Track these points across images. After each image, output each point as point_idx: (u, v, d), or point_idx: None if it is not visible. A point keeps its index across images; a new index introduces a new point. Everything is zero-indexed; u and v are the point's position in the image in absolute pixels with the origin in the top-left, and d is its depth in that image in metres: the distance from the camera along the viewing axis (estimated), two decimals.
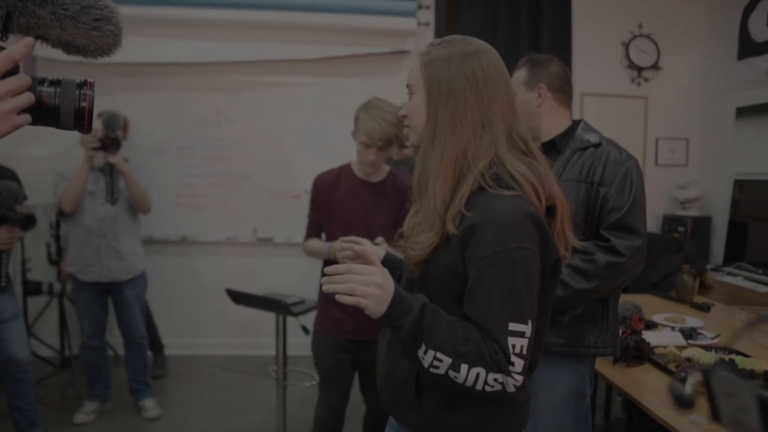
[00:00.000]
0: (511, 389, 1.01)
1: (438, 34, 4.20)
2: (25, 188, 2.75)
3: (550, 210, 1.11)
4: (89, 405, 3.18)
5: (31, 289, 3.51)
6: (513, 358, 0.99)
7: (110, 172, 2.92)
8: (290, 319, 2.63)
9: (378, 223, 2.14)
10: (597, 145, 1.71)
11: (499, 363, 0.99)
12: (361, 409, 2.51)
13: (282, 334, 2.63)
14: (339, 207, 2.17)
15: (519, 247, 1.00)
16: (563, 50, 4.20)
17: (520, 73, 1.82)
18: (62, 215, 3.19)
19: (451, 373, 1.00)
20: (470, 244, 1.02)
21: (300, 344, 3.30)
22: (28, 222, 2.58)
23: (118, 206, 3.01)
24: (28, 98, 0.75)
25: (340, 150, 4.09)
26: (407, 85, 1.17)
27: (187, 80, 4.06)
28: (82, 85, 0.79)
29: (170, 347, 3.97)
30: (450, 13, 4.29)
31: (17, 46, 0.74)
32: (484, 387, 1.00)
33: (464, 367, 0.99)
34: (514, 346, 0.99)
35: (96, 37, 0.84)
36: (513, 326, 0.99)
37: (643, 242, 1.64)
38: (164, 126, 4.05)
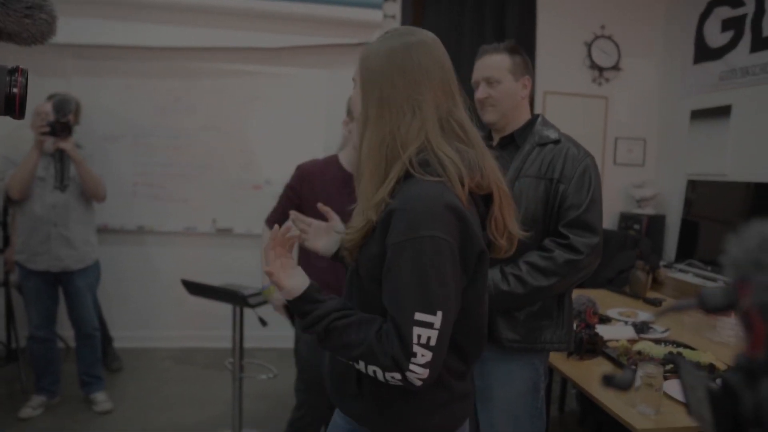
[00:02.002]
0: (416, 383, 0.99)
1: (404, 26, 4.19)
2: None
3: (488, 198, 1.10)
4: (36, 399, 3.06)
5: None
6: (415, 348, 0.97)
7: (60, 158, 2.81)
8: (247, 311, 2.59)
9: None
10: (556, 142, 1.71)
11: (395, 360, 0.97)
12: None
13: (239, 326, 2.59)
14: (324, 200, 2.02)
15: (430, 235, 0.97)
16: (527, 48, 4.24)
17: (502, 59, 1.74)
18: (10, 202, 3.06)
19: (358, 367, 1.04)
20: (389, 231, 1.01)
21: (257, 336, 3.26)
22: None
23: (69, 193, 2.90)
24: None
25: (303, 141, 4.08)
26: (353, 79, 1.17)
27: (145, 65, 3.94)
28: (14, 71, 0.79)
29: (124, 339, 3.87)
30: (416, 6, 4.28)
31: None
32: (387, 382, 1.00)
33: (362, 364, 1.02)
34: (419, 336, 0.97)
35: (28, 24, 0.83)
36: (419, 316, 0.97)
37: (600, 240, 1.66)
38: (120, 113, 3.93)
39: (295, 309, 1.10)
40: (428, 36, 1.12)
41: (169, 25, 3.88)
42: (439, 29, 4.31)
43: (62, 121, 2.77)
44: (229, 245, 4.09)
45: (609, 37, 4.39)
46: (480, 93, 1.74)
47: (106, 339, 3.69)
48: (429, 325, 0.97)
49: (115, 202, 3.62)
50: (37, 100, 3.08)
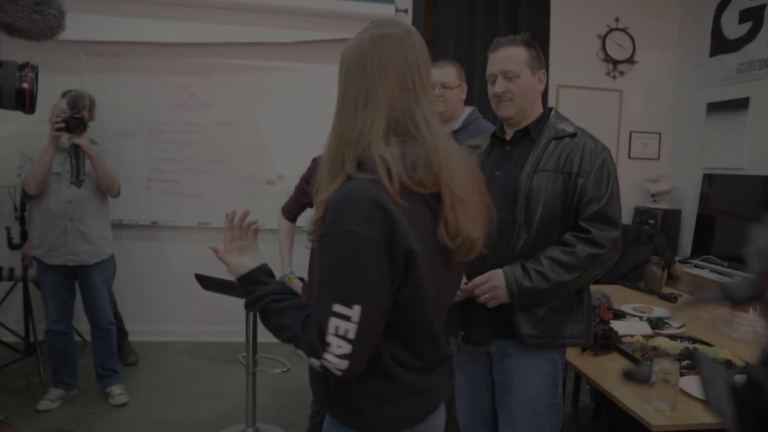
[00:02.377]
0: (335, 372, 1.00)
1: (416, 21, 4.17)
2: None
3: (438, 196, 1.06)
4: (54, 392, 3.10)
5: None
6: (330, 338, 0.98)
7: (76, 153, 2.83)
8: None
9: None
10: (572, 135, 1.70)
11: (313, 347, 1.00)
12: None
13: (252, 320, 2.60)
14: None
15: (349, 230, 0.98)
16: (540, 41, 4.21)
17: (519, 53, 1.70)
18: (27, 197, 3.09)
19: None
20: None
21: None
22: None
23: (84, 189, 2.93)
24: None
25: (315, 136, 4.06)
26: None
27: (158, 61, 3.96)
28: (24, 66, 0.83)
29: (139, 333, 3.90)
30: (429, 0, 4.26)
31: None
32: (313, 367, 1.04)
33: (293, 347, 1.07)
34: (337, 328, 0.98)
35: (37, 20, 0.85)
36: (337, 308, 0.98)
37: (620, 233, 1.65)
38: (134, 108, 3.96)
39: (241, 287, 1.17)
40: (398, 29, 1.09)
41: (181, 21, 3.90)
42: (451, 23, 4.30)
43: (77, 117, 2.80)
44: None
45: (623, 30, 4.34)
46: (498, 87, 1.71)
47: (122, 333, 3.72)
48: (346, 318, 0.98)
49: (130, 197, 3.65)
50: (51, 96, 3.11)
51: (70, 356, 3.14)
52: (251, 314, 2.60)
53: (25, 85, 0.85)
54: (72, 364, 3.16)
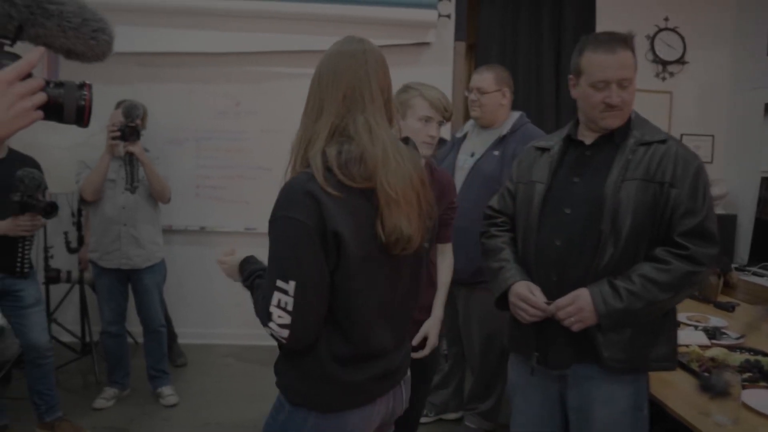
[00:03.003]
0: (280, 340, 1.18)
1: (459, 25, 4.16)
2: (47, 177, 2.77)
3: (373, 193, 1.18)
4: (109, 391, 3.21)
5: (52, 277, 3.55)
6: (273, 309, 1.15)
7: (130, 161, 2.94)
8: None
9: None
10: (662, 141, 1.55)
11: (261, 316, 1.19)
12: None
13: None
14: None
15: (284, 215, 1.16)
16: None
17: (630, 56, 1.58)
18: (84, 203, 3.22)
19: None
20: None
21: None
22: (50, 209, 2.60)
23: (138, 195, 3.03)
24: (41, 97, 0.87)
25: None
26: None
27: (206, 71, 4.06)
28: (82, 86, 0.92)
29: (187, 336, 4.00)
30: (471, 4, 4.24)
31: (33, 54, 0.86)
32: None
33: None
34: (279, 300, 1.15)
35: (93, 45, 0.96)
36: (278, 283, 1.15)
37: (719, 249, 1.51)
38: (183, 117, 4.07)
39: (242, 271, 1.40)
40: (353, 46, 1.26)
41: (227, 31, 3.99)
42: (493, 26, 4.26)
43: (131, 126, 2.90)
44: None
45: (673, 29, 4.21)
46: (615, 98, 1.54)
47: (171, 335, 3.83)
48: (285, 292, 1.14)
49: (179, 203, 3.75)
50: (105, 106, 3.22)
51: (123, 357, 3.25)
52: None
53: (83, 103, 0.92)
54: (125, 365, 3.26)
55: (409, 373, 1.41)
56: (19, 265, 2.67)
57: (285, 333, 1.15)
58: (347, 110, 1.22)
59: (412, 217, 1.20)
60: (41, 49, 0.90)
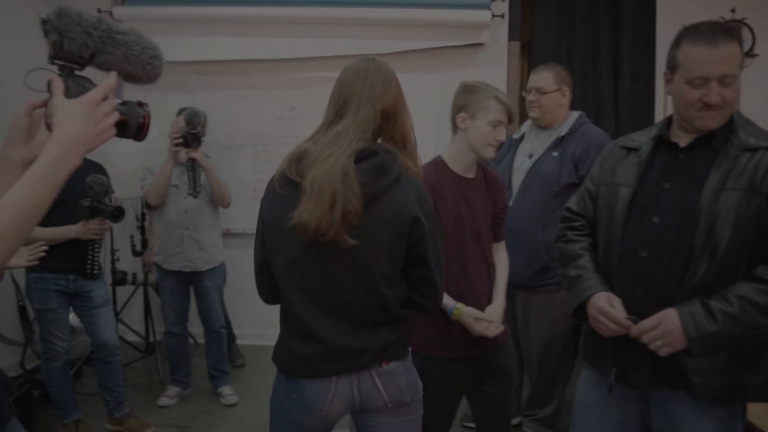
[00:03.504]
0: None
1: (512, 25, 4.10)
2: (113, 182, 2.89)
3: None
4: (172, 389, 3.32)
5: (118, 279, 3.71)
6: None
7: (192, 166, 3.03)
8: None
9: (483, 223, 1.96)
10: None
11: None
12: None
13: None
14: (448, 210, 1.88)
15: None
16: (646, 38, 4.00)
17: (735, 50, 1.44)
18: (149, 208, 3.34)
19: None
20: None
21: None
22: (117, 214, 2.71)
23: (199, 199, 3.12)
24: (116, 116, 1.01)
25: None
26: None
27: (262, 77, 4.15)
28: (141, 105, 1.07)
29: (246, 337, 4.09)
30: (525, 3, 4.18)
31: (111, 79, 1.02)
32: None
33: None
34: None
35: (149, 70, 1.08)
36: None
37: None
38: (241, 123, 4.17)
39: None
40: (351, 64, 1.51)
41: (282, 38, 4.07)
42: (548, 25, 4.18)
43: (193, 132, 2.99)
44: None
45: (741, 21, 4.02)
46: (714, 96, 1.38)
47: (230, 336, 3.92)
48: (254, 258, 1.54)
49: (238, 207, 3.84)
50: (166, 114, 3.35)
51: (185, 357, 3.35)
52: None
53: (142, 120, 1.05)
54: (187, 365, 3.37)
55: (388, 366, 1.46)
56: (89, 267, 2.79)
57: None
58: (336, 120, 1.46)
59: (318, 209, 1.34)
60: (114, 74, 1.03)
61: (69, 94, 0.99)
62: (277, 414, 1.55)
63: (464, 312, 1.86)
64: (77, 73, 1.03)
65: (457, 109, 1.93)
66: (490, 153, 1.89)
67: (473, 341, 1.88)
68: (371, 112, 1.42)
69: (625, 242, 1.49)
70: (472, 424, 2.84)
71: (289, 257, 1.42)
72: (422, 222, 1.43)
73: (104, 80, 1.01)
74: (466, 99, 1.91)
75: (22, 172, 1.02)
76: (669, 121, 1.54)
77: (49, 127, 1.02)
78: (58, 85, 0.99)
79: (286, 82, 4.16)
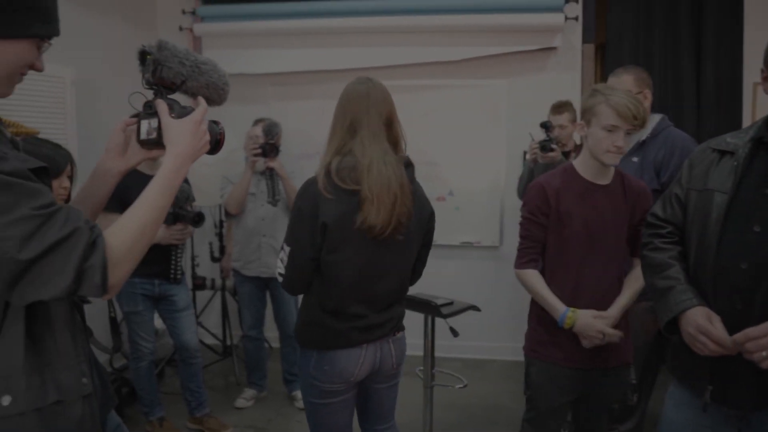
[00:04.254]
0: (281, 285, 1.78)
1: (587, 28, 4.00)
2: (194, 191, 3.02)
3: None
4: (248, 392, 3.42)
5: (198, 284, 3.86)
6: (278, 261, 1.76)
7: (270, 175, 3.12)
8: (438, 321, 2.63)
9: (615, 232, 1.91)
10: None
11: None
12: None
13: (430, 335, 2.64)
14: (574, 218, 1.88)
15: (297, 204, 1.72)
16: (732, 34, 3.79)
17: None
18: (228, 215, 3.47)
19: None
20: None
21: (447, 346, 3.29)
22: (198, 219, 2.83)
23: (276, 207, 3.21)
24: (207, 134, 1.19)
25: (484, 151, 4.07)
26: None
27: (334, 87, 4.14)
28: (216, 122, 1.24)
29: None
30: (600, 4, 4.06)
31: (204, 104, 1.20)
32: None
33: None
34: (282, 257, 1.74)
35: (221, 94, 1.24)
36: (284, 245, 1.73)
37: None
38: (313, 132, 4.22)
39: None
40: (359, 86, 1.77)
41: (354, 47, 4.13)
42: (624, 26, 4.03)
43: (271, 143, 3.09)
44: None
45: None
46: None
47: None
48: (285, 251, 1.72)
49: None
50: (243, 125, 3.47)
51: (261, 360, 3.44)
52: (429, 328, 2.64)
53: (218, 137, 1.21)
54: (263, 368, 3.46)
55: (398, 335, 1.87)
56: (173, 271, 2.92)
57: (280, 279, 1.76)
58: (350, 135, 1.70)
59: (382, 212, 1.63)
60: (202, 99, 1.20)
61: (174, 114, 1.14)
62: (307, 390, 1.83)
63: (580, 315, 1.84)
64: (169, 96, 1.18)
65: (581, 116, 1.94)
66: (610, 159, 1.83)
67: (584, 354, 1.88)
68: (382, 124, 1.72)
69: (722, 253, 1.38)
70: None
71: (349, 254, 1.69)
72: (434, 215, 1.87)
73: (198, 105, 1.19)
74: (585, 105, 1.90)
75: (118, 180, 1.23)
76: (767, 121, 1.43)
77: (143, 143, 1.18)
78: (163, 107, 1.13)
79: None
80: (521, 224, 2.00)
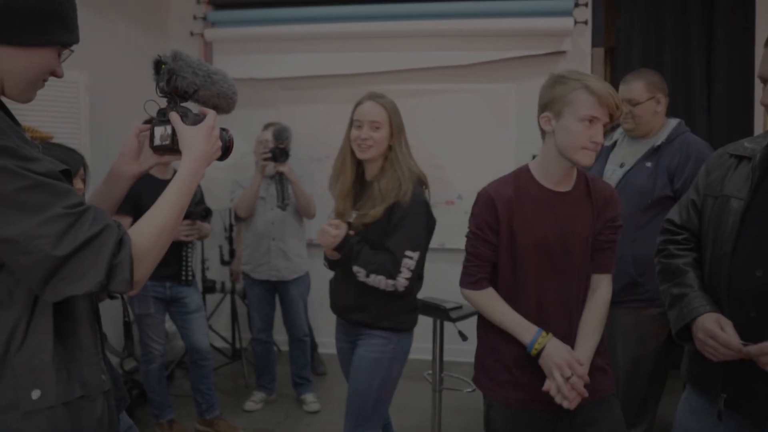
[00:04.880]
0: (398, 289, 1.96)
1: (596, 32, 4.00)
2: (204, 194, 3.06)
3: None
4: (257, 394, 3.44)
5: (208, 287, 3.88)
6: (402, 269, 1.94)
7: (280, 180, 3.14)
8: (447, 325, 2.64)
9: (578, 247, 1.64)
10: None
11: (390, 273, 1.94)
12: None
13: (439, 339, 2.64)
14: (527, 231, 1.63)
15: (413, 212, 1.98)
16: (744, 38, 3.76)
17: None
18: (238, 219, 3.49)
19: (367, 280, 1.97)
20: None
21: (456, 350, 3.28)
22: (206, 214, 2.88)
23: (286, 211, 3.23)
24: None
25: (493, 155, 4.07)
26: (375, 121, 2.08)
27: (343, 91, 4.23)
28: (225, 130, 1.28)
29: (328, 346, 4.15)
30: (609, 7, 4.06)
31: (213, 112, 1.23)
32: (385, 287, 1.96)
33: (372, 276, 1.96)
34: (407, 263, 1.95)
35: (230, 103, 1.28)
36: (407, 252, 1.95)
37: None
38: (322, 136, 4.26)
39: (340, 249, 1.99)
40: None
41: (363, 52, 4.15)
42: (635, 29, 4.02)
43: (281, 147, 3.11)
44: (426, 259, 4.20)
45: None
46: None
47: (312, 345, 4.01)
48: (412, 257, 1.97)
49: (321, 218, 3.93)
50: (254, 129, 3.49)
51: (270, 363, 3.46)
52: (438, 332, 2.65)
53: (227, 144, 1.26)
54: (272, 371, 3.47)
55: None
56: (184, 273, 2.95)
57: (405, 284, 1.94)
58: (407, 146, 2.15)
59: None
60: (213, 110, 1.24)
61: (188, 121, 1.19)
62: (400, 370, 2.15)
63: (552, 339, 1.58)
64: (181, 104, 1.22)
65: (541, 107, 1.63)
66: (586, 158, 1.56)
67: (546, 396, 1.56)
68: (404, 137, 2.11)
69: (737, 260, 1.36)
70: None
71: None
72: None
73: (208, 112, 1.23)
74: (550, 94, 1.60)
75: (131, 184, 1.27)
76: None
77: (156, 149, 1.22)
78: (176, 116, 1.18)
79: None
80: (468, 238, 1.73)
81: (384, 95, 2.12)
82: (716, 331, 1.33)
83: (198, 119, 1.20)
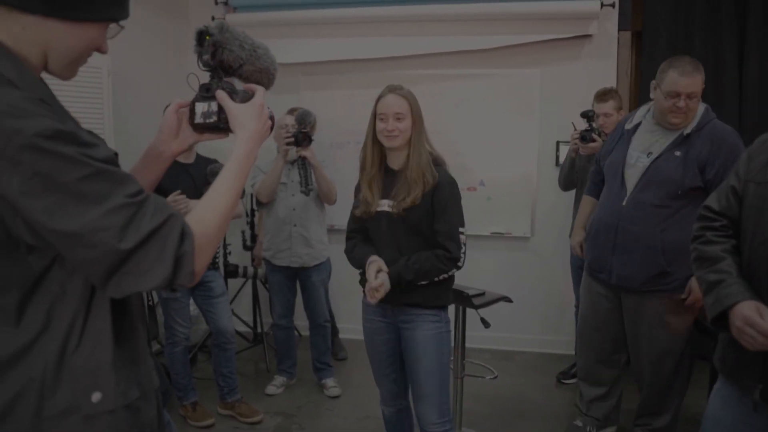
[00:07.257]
0: (461, 264, 2.11)
1: (623, 14, 3.90)
2: None
3: None
4: (278, 379, 3.46)
5: (230, 271, 3.91)
6: (462, 246, 2.10)
7: (302, 164, 3.13)
8: (469, 311, 2.62)
9: None
10: None
11: (454, 260, 2.09)
12: None
13: (461, 325, 2.63)
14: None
15: (454, 191, 2.15)
16: None
17: None
18: (259, 204, 3.50)
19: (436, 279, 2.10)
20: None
21: (478, 337, 3.28)
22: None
23: (309, 196, 3.23)
24: None
25: (516, 140, 4.02)
26: (398, 112, 2.18)
27: (365, 76, 4.21)
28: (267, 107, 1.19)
29: (348, 331, 4.18)
30: None
31: (262, 91, 1.16)
32: (449, 271, 2.11)
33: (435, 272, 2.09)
34: (464, 243, 2.11)
35: (271, 80, 1.22)
36: (460, 229, 2.09)
37: None
38: (344, 122, 4.25)
39: (393, 278, 2.08)
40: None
41: (385, 36, 4.10)
42: (664, 13, 3.91)
43: (303, 132, 3.09)
44: None
45: None
46: None
47: (333, 330, 4.02)
48: (463, 233, 2.12)
49: (342, 204, 3.90)
50: (275, 114, 3.47)
51: (291, 348, 3.48)
52: (460, 319, 2.63)
53: (270, 120, 1.16)
54: (293, 356, 3.50)
55: None
56: None
57: (463, 258, 2.08)
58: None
59: None
60: (262, 87, 1.18)
61: (237, 99, 1.12)
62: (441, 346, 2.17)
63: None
64: (225, 79, 1.15)
65: None
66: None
67: None
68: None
69: None
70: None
71: None
72: None
73: (257, 90, 1.16)
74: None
75: (169, 164, 1.20)
76: None
77: (196, 127, 1.16)
78: (224, 93, 1.11)
79: (388, 81, 4.11)
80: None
81: (402, 86, 2.24)
82: (756, 319, 1.29)
83: (247, 96, 1.13)
